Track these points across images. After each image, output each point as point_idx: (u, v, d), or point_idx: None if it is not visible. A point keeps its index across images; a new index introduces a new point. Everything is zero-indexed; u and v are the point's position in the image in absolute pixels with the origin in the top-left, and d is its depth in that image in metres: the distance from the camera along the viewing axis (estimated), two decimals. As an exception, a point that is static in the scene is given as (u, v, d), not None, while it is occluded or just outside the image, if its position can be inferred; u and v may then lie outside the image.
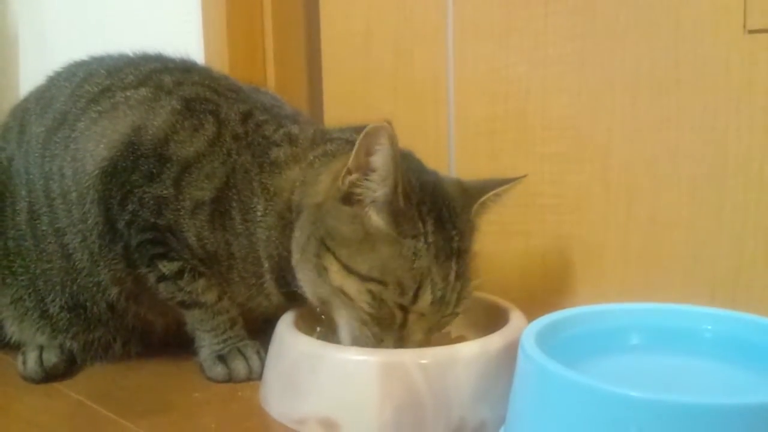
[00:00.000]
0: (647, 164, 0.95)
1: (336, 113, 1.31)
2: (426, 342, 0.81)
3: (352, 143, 0.86)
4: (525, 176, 0.87)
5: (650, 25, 0.93)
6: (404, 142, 0.94)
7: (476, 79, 1.11)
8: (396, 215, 0.78)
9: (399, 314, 0.79)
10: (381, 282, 0.78)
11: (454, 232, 0.81)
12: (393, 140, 0.75)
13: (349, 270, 0.79)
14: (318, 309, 0.87)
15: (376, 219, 0.79)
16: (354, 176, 0.79)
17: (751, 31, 0.85)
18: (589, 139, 1.00)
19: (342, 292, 0.80)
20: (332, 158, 0.88)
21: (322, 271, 0.81)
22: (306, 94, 1.44)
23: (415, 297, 0.78)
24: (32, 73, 1.77)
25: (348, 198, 0.80)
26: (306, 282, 0.85)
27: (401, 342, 0.80)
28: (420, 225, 0.79)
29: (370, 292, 0.78)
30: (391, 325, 0.79)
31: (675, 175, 0.93)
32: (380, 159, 0.77)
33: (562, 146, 1.02)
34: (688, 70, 0.90)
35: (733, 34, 0.86)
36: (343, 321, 0.82)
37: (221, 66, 1.30)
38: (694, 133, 0.91)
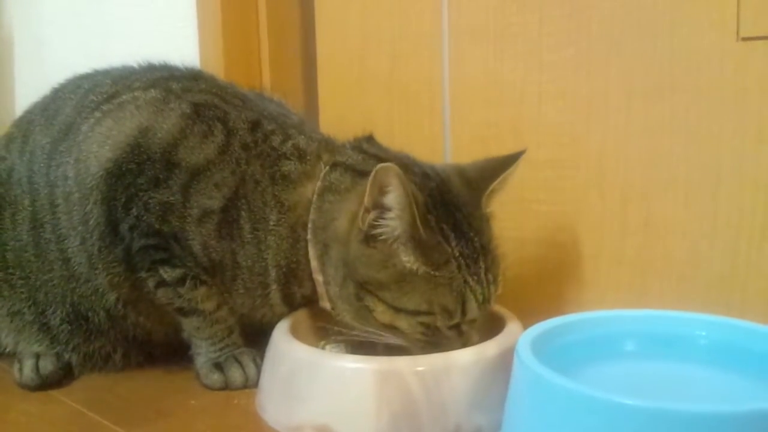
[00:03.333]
0: (642, 170, 0.95)
1: (331, 118, 1.31)
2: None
3: (355, 171, 0.88)
4: (524, 151, 0.88)
5: (644, 31, 0.93)
6: (399, 147, 0.94)
7: (471, 84, 1.11)
8: (423, 248, 0.79)
9: (452, 333, 0.82)
10: (430, 313, 0.80)
11: (472, 233, 0.83)
12: (402, 179, 0.76)
13: (396, 309, 0.81)
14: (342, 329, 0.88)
15: (405, 258, 0.80)
16: (372, 214, 0.80)
17: (744, 39, 0.85)
18: (583, 145, 1.00)
19: (393, 328, 0.82)
20: (337, 194, 0.87)
21: (365, 311, 0.82)
22: (301, 99, 1.43)
23: (463, 312, 0.81)
24: (28, 79, 1.76)
25: (371, 237, 0.81)
26: (347, 314, 0.85)
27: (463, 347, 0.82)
28: (446, 246, 0.81)
29: (422, 324, 0.81)
30: (447, 341, 0.82)
31: (669, 181, 0.93)
32: (394, 198, 0.78)
33: (557, 152, 1.02)
34: (682, 76, 0.91)
35: (726, 41, 0.86)
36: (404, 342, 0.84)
37: (217, 71, 1.30)
38: (688, 138, 0.91)
